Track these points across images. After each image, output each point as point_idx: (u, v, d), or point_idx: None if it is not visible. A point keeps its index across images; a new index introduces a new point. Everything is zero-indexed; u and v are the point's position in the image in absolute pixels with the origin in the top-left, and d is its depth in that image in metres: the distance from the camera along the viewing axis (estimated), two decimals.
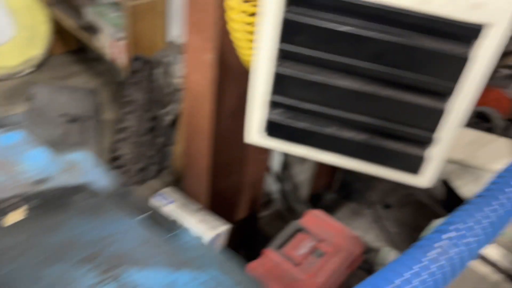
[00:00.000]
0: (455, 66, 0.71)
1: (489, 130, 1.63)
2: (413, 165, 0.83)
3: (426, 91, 0.76)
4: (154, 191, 1.38)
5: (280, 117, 0.84)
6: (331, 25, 0.72)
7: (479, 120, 1.66)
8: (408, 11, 0.68)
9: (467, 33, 0.68)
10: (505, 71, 1.81)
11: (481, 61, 0.70)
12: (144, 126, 1.97)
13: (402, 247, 1.73)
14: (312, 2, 0.71)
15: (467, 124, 1.60)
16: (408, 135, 0.80)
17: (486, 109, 1.63)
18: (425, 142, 0.80)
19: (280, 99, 0.82)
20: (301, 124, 0.84)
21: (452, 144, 0.79)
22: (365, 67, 0.75)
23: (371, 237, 1.87)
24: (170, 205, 1.34)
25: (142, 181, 2.04)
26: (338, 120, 0.82)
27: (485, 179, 0.91)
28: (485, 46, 0.68)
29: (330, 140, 0.84)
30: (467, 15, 0.66)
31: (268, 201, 1.90)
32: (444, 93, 0.75)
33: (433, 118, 0.77)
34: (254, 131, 0.88)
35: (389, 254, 1.66)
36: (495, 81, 1.75)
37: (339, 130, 0.83)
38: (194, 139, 1.29)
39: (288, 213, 1.87)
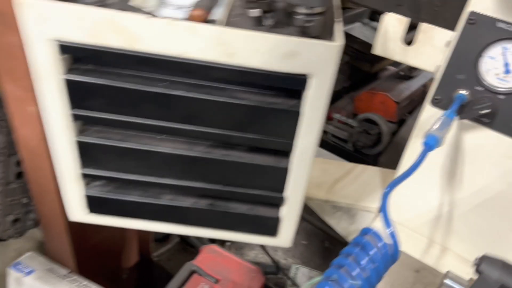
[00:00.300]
0: (287, 121, 0.60)
1: (379, 134, 1.60)
2: (268, 227, 0.72)
3: (263, 150, 0.64)
4: (37, 242, 1.17)
5: (101, 191, 0.69)
6: (129, 84, 0.57)
7: (368, 124, 1.61)
8: (214, 64, 0.55)
9: (291, 85, 0.57)
10: (387, 73, 1.79)
11: (312, 113, 0.59)
12: (11, 172, 1.72)
13: (312, 261, 1.66)
14: (104, 57, 0.56)
15: (354, 135, 1.56)
16: (255, 197, 0.69)
17: (373, 115, 1.58)
18: (275, 203, 0.69)
19: (93, 171, 0.66)
20: (129, 197, 0.69)
21: (301, 202, 0.69)
22: (183, 129, 0.61)
23: (281, 254, 1.78)
24: (29, 276, 1.14)
25: (19, 233, 1.78)
26: (171, 188, 0.68)
27: (359, 216, 0.81)
28: (313, 97, 0.57)
29: (169, 210, 0.70)
30: (284, 66, 0.54)
31: (164, 236, 1.74)
32: (283, 151, 0.64)
33: (277, 177, 0.66)
34: (76, 210, 0.72)
35: (298, 271, 1.58)
36: (380, 84, 1.72)
37: (175, 198, 0.70)
38: (43, 198, 1.09)
39: (188, 245, 1.72)
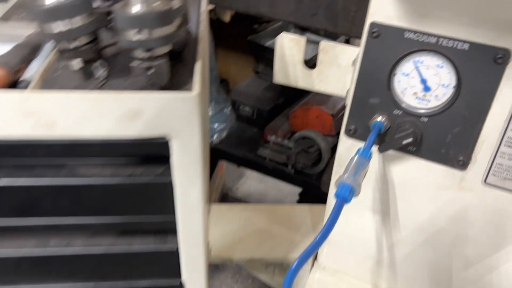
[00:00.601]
0: (158, 194, 0.46)
1: (318, 152, 1.48)
2: None
3: (141, 232, 0.49)
4: None
5: None
6: None
7: (305, 143, 1.49)
8: (30, 141, 0.40)
9: (147, 151, 0.43)
10: None
11: (186, 179, 0.45)
12: None
13: None
14: None
15: (292, 156, 1.44)
16: None
17: (308, 133, 1.46)
18: None
19: None
20: None
21: (205, 281, 0.54)
22: (20, 226, 0.46)
23: None
24: None
25: None
26: None
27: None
28: (181, 162, 0.43)
29: None
30: (127, 130, 0.40)
31: None
32: (163, 230, 0.49)
33: (166, 261, 0.51)
34: None
35: None
36: (313, 97, 1.61)
37: None
38: None
39: None
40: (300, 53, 0.63)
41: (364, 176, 0.51)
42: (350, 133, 0.61)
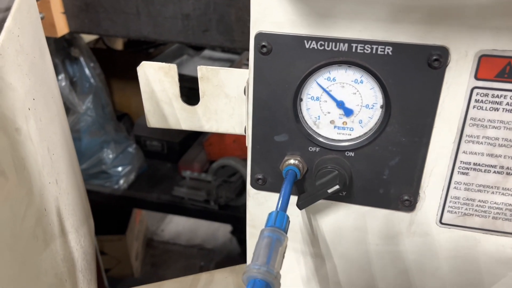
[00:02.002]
0: None
1: (241, 179, 1.32)
2: None
3: None
4: None
5: None
6: None
7: (225, 172, 1.33)
8: None
9: None
10: None
11: None
12: None
13: None
14: None
15: (212, 191, 1.26)
16: None
17: (227, 161, 1.30)
18: None
19: None
20: None
21: None
22: None
23: None
24: None
25: None
26: None
27: None
28: None
29: None
30: None
31: None
32: None
33: None
34: None
35: None
36: None
37: None
38: None
39: None
40: (174, 85, 0.45)
41: (283, 256, 0.35)
42: (259, 185, 0.45)
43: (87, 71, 1.27)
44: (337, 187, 0.39)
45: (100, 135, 1.30)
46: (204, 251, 1.80)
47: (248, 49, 1.08)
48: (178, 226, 1.93)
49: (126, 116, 1.56)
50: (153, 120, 0.48)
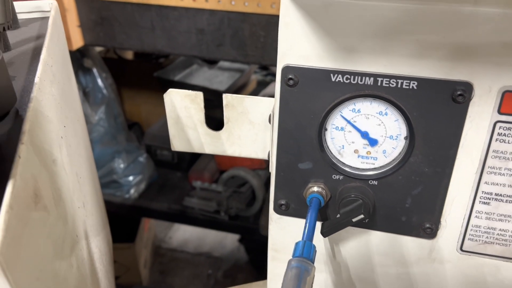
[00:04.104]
0: None
1: (251, 190, 1.33)
2: None
3: None
4: None
5: None
6: None
7: (235, 182, 1.34)
8: None
9: None
10: None
11: None
12: None
13: None
14: None
15: (223, 202, 1.27)
16: None
17: (237, 171, 1.31)
18: None
19: None
20: None
21: None
22: None
23: None
24: None
25: None
26: None
27: None
28: None
29: None
30: None
31: None
32: None
33: None
34: None
35: None
36: None
37: None
38: None
39: None
40: (199, 112, 0.47)
41: (312, 286, 0.36)
42: (282, 210, 0.46)
43: (99, 81, 1.28)
44: (361, 216, 0.40)
45: (112, 145, 1.31)
46: (211, 259, 1.81)
47: (260, 64, 1.09)
48: (185, 234, 1.94)
49: (136, 125, 1.58)
50: (177, 144, 0.49)
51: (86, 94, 1.27)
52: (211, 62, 1.57)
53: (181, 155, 1.47)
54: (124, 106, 1.58)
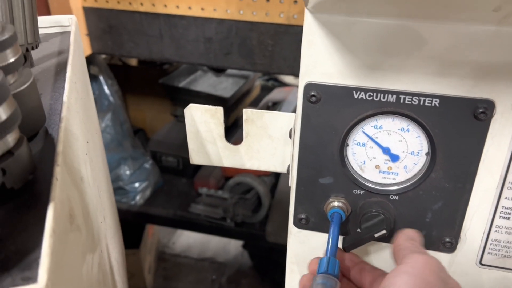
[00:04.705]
0: None
1: (257, 196, 1.33)
2: None
3: None
4: None
5: None
6: None
7: (241, 189, 1.34)
8: None
9: None
10: None
11: None
12: None
13: None
14: None
15: (229, 208, 1.27)
16: None
17: (243, 178, 1.31)
18: None
19: None
20: None
21: None
22: None
23: None
24: None
25: None
26: None
27: None
28: None
29: None
30: None
31: None
32: None
33: None
34: None
35: None
36: (240, 135, 1.46)
37: None
38: None
39: None
40: (219, 126, 0.47)
41: None
42: (302, 224, 0.46)
43: (106, 89, 1.29)
44: (384, 231, 0.40)
45: (118, 152, 1.32)
46: (215, 265, 1.81)
47: (268, 72, 1.10)
48: (189, 239, 1.94)
49: (141, 131, 1.58)
50: (196, 158, 0.50)
51: None
52: (219, 71, 1.57)
53: (187, 161, 1.47)
54: (129, 112, 1.59)
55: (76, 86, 0.42)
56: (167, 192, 1.41)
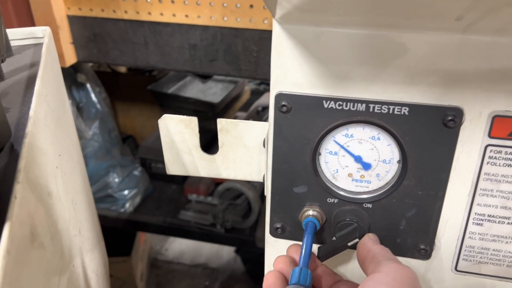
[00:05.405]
0: None
1: (247, 202, 1.33)
2: None
3: None
4: None
5: None
6: None
7: (231, 195, 1.34)
8: None
9: None
10: None
11: None
12: None
13: None
14: None
15: (219, 215, 1.27)
16: None
17: (233, 184, 1.31)
18: None
19: None
20: None
21: None
22: None
23: None
24: None
25: None
26: None
27: None
28: None
29: None
30: None
31: None
32: None
33: None
34: None
35: None
36: None
37: None
38: None
39: None
40: (193, 136, 0.47)
41: None
42: (278, 233, 0.46)
43: (93, 96, 1.28)
44: (356, 240, 0.40)
45: (107, 160, 1.31)
46: (208, 270, 1.81)
47: (254, 78, 1.09)
48: (181, 245, 1.93)
49: (130, 138, 1.58)
50: (172, 168, 0.50)
51: (79, 109, 1.27)
52: (205, 77, 1.57)
53: None
54: (118, 119, 1.58)
55: (46, 99, 0.42)
56: (157, 199, 1.41)
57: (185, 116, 0.46)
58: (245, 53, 0.96)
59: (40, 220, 0.32)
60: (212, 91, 1.54)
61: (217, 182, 1.40)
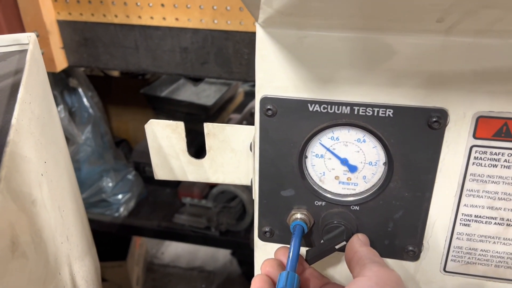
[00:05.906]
0: None
1: (241, 204, 1.32)
2: None
3: None
4: None
5: None
6: None
7: (225, 198, 1.34)
8: None
9: None
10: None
11: None
12: None
13: None
14: None
15: (213, 218, 1.26)
16: None
17: (227, 186, 1.31)
18: None
19: None
20: None
21: None
22: None
23: None
24: None
25: None
26: None
27: None
28: None
29: None
30: None
31: None
32: None
33: None
34: None
35: None
36: None
37: None
38: None
39: None
40: (180, 141, 0.47)
41: None
42: (267, 237, 0.46)
43: (85, 101, 1.28)
44: (344, 243, 0.40)
45: (100, 164, 1.31)
46: (204, 273, 1.80)
47: (245, 80, 1.09)
48: (177, 249, 1.93)
49: (124, 142, 1.57)
50: (160, 173, 0.49)
51: (72, 114, 1.27)
52: (196, 80, 1.57)
53: None
54: (112, 123, 1.58)
55: (30, 107, 0.41)
56: (151, 203, 1.40)
57: (171, 121, 0.46)
58: (236, 55, 0.96)
59: (22, 229, 0.31)
60: (206, 94, 1.54)
61: (211, 185, 1.39)
